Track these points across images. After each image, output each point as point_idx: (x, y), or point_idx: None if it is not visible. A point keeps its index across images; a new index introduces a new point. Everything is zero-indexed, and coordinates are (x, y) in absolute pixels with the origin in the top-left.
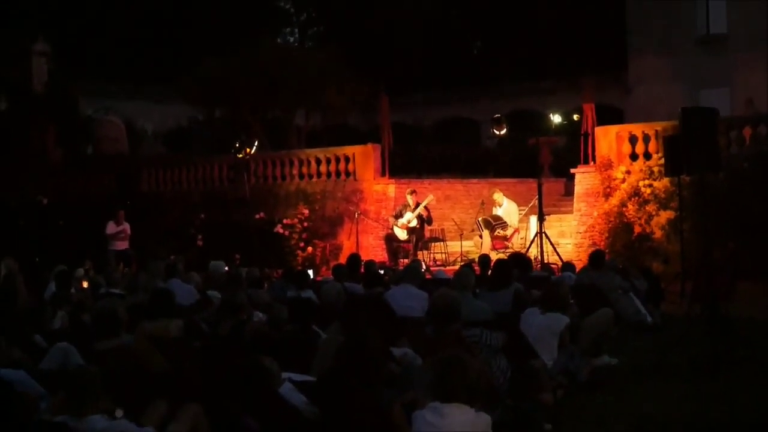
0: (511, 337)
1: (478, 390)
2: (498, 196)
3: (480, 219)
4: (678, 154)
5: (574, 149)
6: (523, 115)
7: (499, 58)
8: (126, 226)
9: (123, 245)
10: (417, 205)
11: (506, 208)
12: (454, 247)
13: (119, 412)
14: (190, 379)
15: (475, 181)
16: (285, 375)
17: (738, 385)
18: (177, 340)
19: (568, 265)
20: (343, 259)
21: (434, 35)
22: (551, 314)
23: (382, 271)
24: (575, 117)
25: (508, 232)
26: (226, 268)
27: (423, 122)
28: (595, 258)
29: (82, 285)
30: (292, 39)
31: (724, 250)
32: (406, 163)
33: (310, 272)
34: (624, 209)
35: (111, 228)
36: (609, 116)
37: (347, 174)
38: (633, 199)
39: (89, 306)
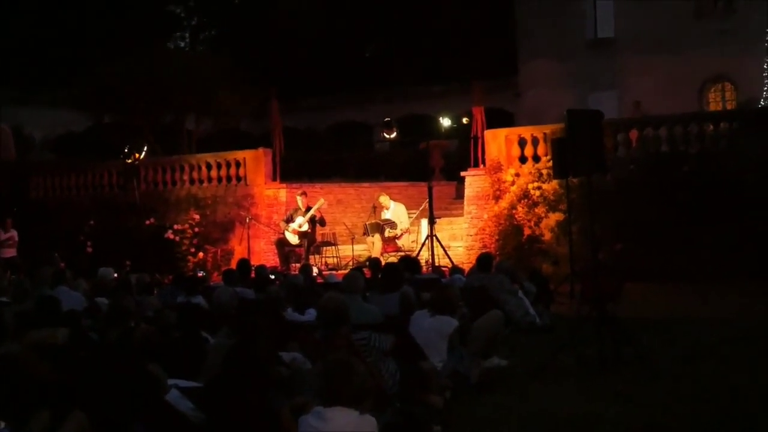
0: (400, 340)
1: (364, 393)
2: (384, 199)
3: (368, 223)
4: (565, 157)
5: (465, 152)
6: (414, 118)
7: (391, 62)
8: (14, 233)
9: (10, 252)
10: (308, 208)
11: (394, 210)
12: (346, 251)
13: (1, 424)
14: (76, 387)
15: (366, 185)
16: (172, 381)
17: (625, 384)
18: (63, 348)
19: (456, 268)
20: (234, 265)
21: (327, 39)
22: (440, 317)
23: (272, 276)
24: (465, 120)
25: (398, 231)
26: (116, 275)
27: (316, 126)
28: (483, 260)
29: None
30: (183, 44)
31: (612, 251)
32: (298, 167)
33: (201, 273)
34: (514, 212)
35: None
36: (500, 120)
37: (238, 179)
38: (522, 201)
39: None
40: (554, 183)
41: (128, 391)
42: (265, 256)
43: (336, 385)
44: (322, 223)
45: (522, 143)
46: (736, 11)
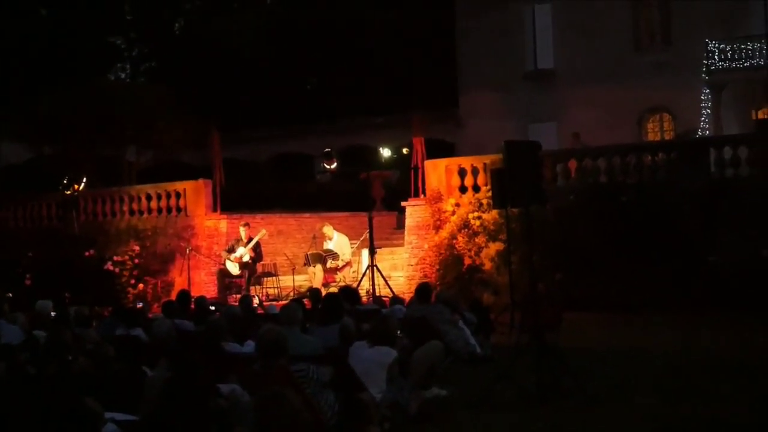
0: (339, 371)
1: (297, 425)
2: (328, 230)
3: (309, 253)
4: (504, 187)
5: (406, 183)
6: (356, 149)
7: (332, 93)
8: None
9: None
10: (250, 239)
11: (337, 241)
12: (287, 281)
13: None
14: (12, 421)
15: (307, 215)
16: (109, 415)
17: (564, 414)
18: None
19: (397, 299)
20: (174, 296)
21: (268, 71)
22: (379, 348)
23: (213, 308)
24: (405, 151)
25: (339, 263)
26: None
27: (257, 157)
28: (422, 291)
29: None
30: (123, 75)
31: (551, 280)
32: (239, 198)
33: (140, 305)
34: (454, 241)
35: None
36: (441, 150)
37: (178, 210)
38: (463, 231)
39: None
40: (494, 213)
41: (65, 425)
42: (206, 287)
43: (268, 418)
44: (258, 258)
45: (462, 173)
46: (673, 44)
